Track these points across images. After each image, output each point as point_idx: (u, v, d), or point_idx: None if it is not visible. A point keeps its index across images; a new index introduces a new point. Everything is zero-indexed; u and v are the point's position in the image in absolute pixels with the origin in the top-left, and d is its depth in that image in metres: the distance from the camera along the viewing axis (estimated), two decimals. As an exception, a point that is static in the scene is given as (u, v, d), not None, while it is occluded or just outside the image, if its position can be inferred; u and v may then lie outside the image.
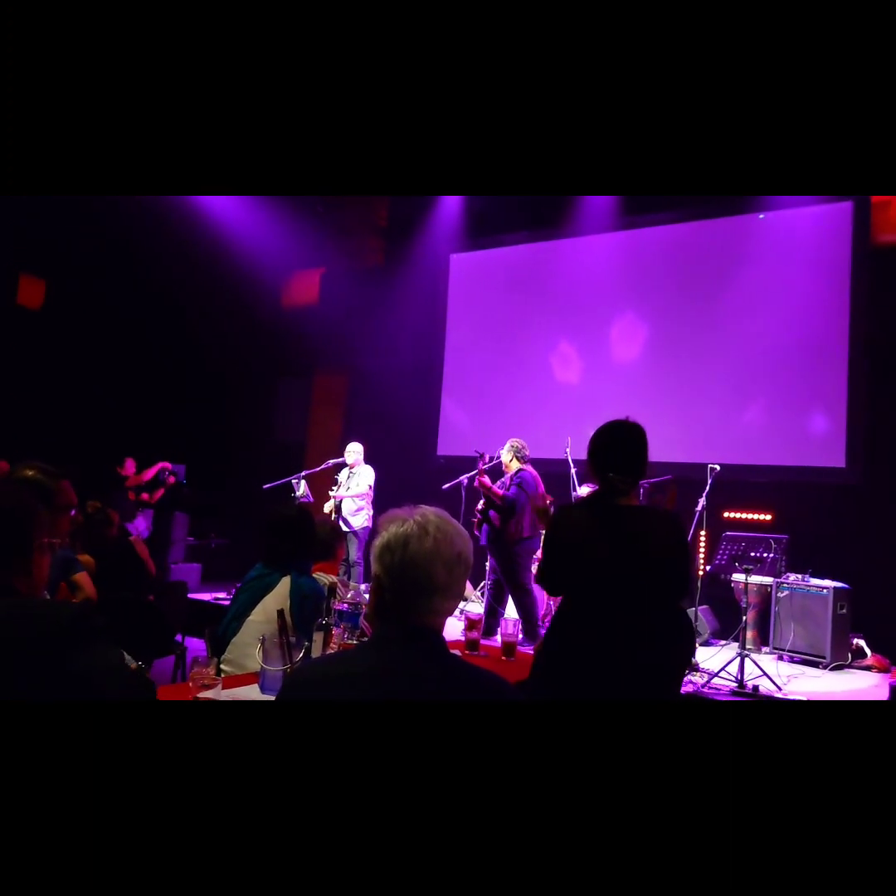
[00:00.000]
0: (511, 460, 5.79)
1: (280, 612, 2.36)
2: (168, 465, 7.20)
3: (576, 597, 2.31)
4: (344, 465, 7.20)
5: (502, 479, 5.83)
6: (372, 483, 7.13)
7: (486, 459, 5.77)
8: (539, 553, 6.34)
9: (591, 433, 2.39)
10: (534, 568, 6.17)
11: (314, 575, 3.06)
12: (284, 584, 2.77)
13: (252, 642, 2.65)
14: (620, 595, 2.19)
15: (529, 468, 5.80)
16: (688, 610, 5.71)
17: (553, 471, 7.05)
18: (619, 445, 2.33)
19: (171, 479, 7.15)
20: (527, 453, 5.86)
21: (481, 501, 5.78)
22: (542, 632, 3.13)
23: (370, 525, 7.02)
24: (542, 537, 2.61)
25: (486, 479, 5.69)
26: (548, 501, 3.23)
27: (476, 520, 5.75)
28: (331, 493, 7.17)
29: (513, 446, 5.83)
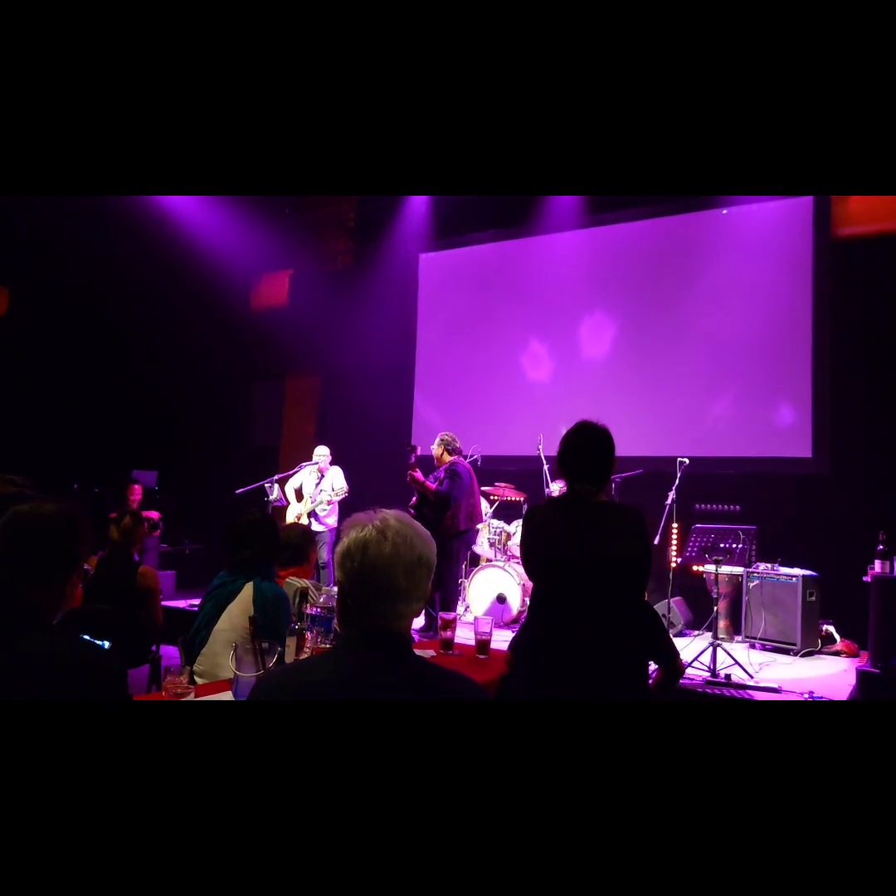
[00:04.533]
0: (441, 453, 5.81)
1: (252, 619, 2.37)
2: (156, 515, 7.22)
3: (545, 588, 2.38)
4: (293, 474, 7.24)
5: (434, 473, 5.81)
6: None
7: (418, 452, 5.70)
8: (475, 547, 6.54)
9: (563, 430, 2.43)
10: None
11: (288, 579, 3.06)
12: (247, 590, 2.76)
13: (221, 651, 2.65)
14: (585, 588, 2.26)
15: (463, 461, 5.84)
16: (661, 601, 5.81)
17: (526, 468, 7.11)
18: (584, 452, 2.35)
19: (155, 532, 7.22)
20: (458, 446, 5.87)
21: (414, 497, 5.77)
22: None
23: (336, 525, 7.00)
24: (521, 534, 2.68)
25: (418, 474, 5.63)
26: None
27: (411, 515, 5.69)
28: (303, 506, 7.13)
29: (443, 439, 5.85)
